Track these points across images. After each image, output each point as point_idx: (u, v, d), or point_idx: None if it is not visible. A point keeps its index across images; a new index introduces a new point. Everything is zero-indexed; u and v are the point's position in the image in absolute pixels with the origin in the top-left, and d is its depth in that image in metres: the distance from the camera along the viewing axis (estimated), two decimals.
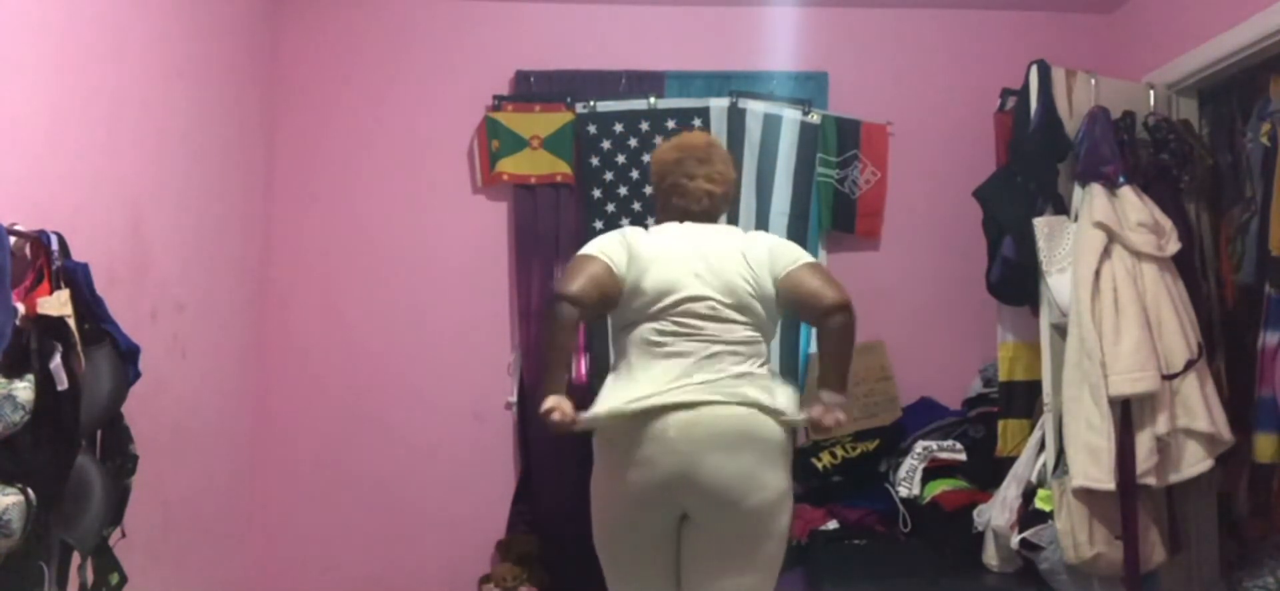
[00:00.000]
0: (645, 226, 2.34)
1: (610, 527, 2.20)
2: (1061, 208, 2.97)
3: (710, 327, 2.12)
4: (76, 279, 2.05)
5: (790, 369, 3.45)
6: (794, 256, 2.22)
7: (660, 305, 2.14)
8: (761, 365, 2.18)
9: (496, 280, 3.58)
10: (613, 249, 2.18)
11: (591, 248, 2.21)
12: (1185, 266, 2.83)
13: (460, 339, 3.55)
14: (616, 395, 2.10)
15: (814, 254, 3.53)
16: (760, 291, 2.17)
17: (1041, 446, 2.91)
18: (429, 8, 3.64)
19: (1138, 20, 3.58)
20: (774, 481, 2.09)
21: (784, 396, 2.15)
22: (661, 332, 2.13)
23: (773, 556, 2.15)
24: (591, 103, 3.54)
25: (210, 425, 3.05)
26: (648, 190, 3.50)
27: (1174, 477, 2.67)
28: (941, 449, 3.24)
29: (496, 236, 3.59)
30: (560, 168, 3.52)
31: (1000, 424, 3.17)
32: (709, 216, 2.30)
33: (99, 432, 2.14)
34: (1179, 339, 2.67)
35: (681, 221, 2.29)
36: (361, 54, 3.61)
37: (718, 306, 2.13)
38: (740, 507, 2.05)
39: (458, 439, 3.52)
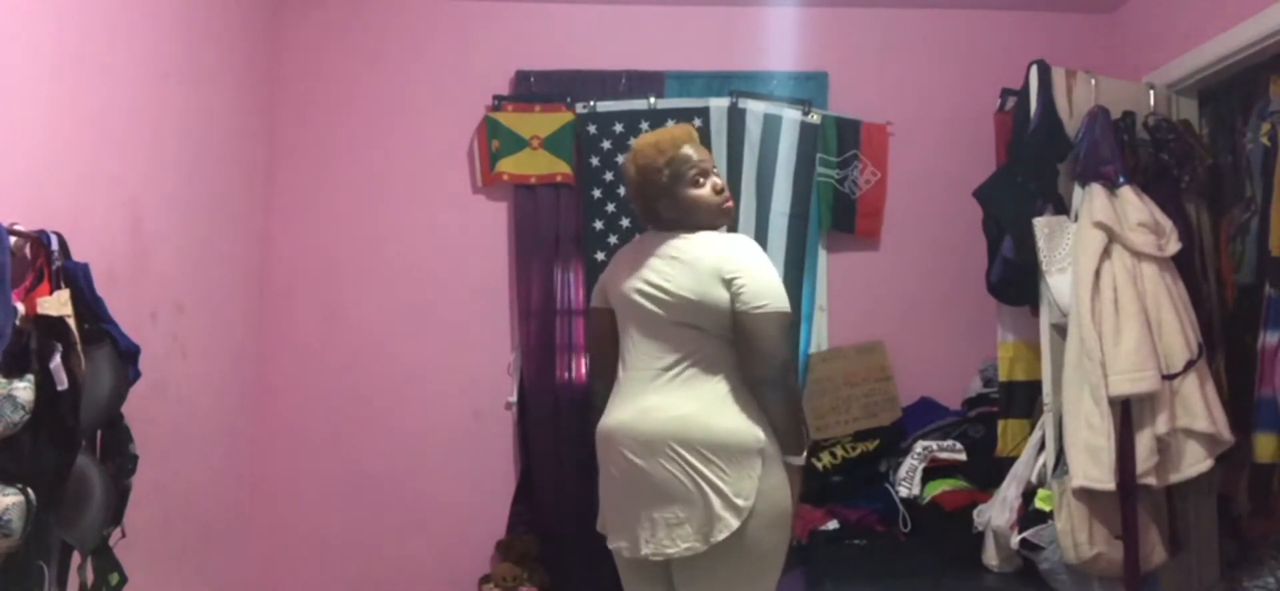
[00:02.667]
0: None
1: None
2: (1061, 208, 2.97)
3: (658, 336, 2.14)
4: (76, 279, 2.05)
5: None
6: (759, 299, 2.07)
7: (623, 320, 2.23)
8: (706, 374, 2.10)
9: (496, 280, 3.58)
10: (597, 291, 2.36)
11: (592, 296, 2.40)
12: (1185, 266, 2.83)
13: (460, 339, 3.55)
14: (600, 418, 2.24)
15: (813, 254, 3.57)
16: (704, 301, 2.08)
17: (1041, 446, 2.91)
18: (429, 8, 3.64)
19: (1138, 20, 3.58)
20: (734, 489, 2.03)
21: (732, 422, 2.07)
22: (625, 343, 2.22)
23: (766, 570, 2.14)
24: (591, 103, 3.54)
25: (210, 425, 3.05)
26: None
27: (1174, 477, 2.67)
28: (941, 449, 3.24)
29: (496, 236, 3.59)
30: (560, 168, 3.52)
31: (1000, 424, 3.17)
32: (659, 216, 2.24)
33: (99, 432, 2.14)
34: (1179, 339, 2.67)
35: (653, 227, 2.29)
36: (361, 53, 3.61)
37: (655, 315, 2.14)
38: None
39: (458, 439, 3.52)
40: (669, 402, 2.08)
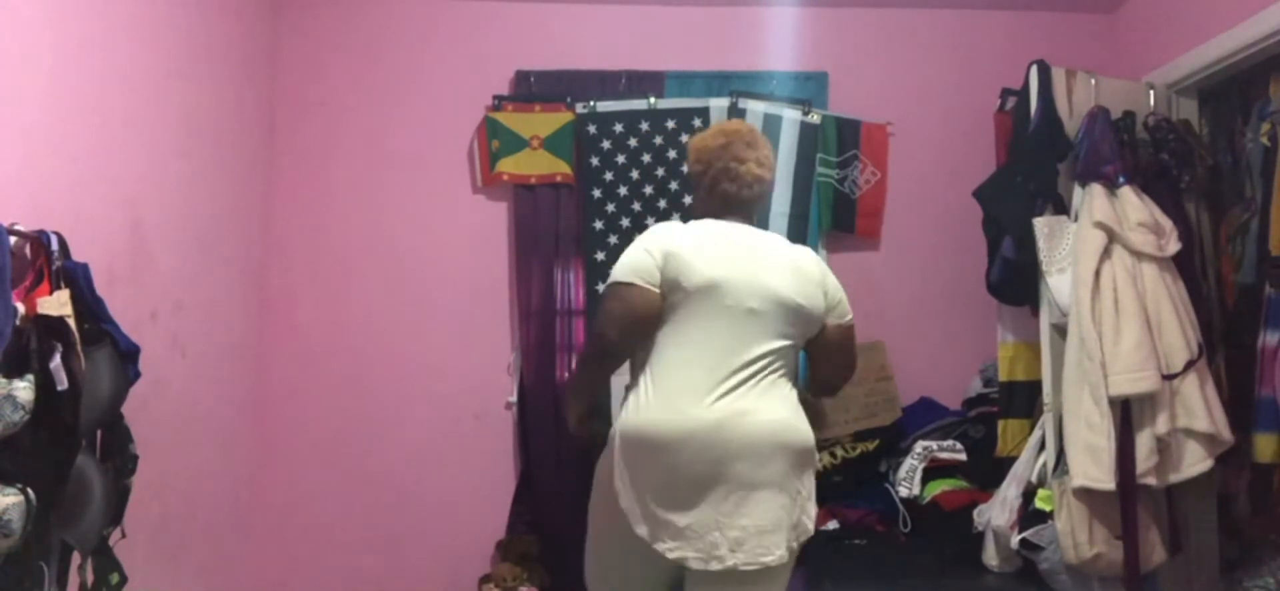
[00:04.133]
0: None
1: (612, 531, 2.15)
2: (1061, 208, 2.97)
3: (751, 335, 2.07)
4: (76, 279, 2.05)
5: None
6: (846, 310, 2.24)
7: (701, 307, 2.07)
8: (787, 380, 2.13)
9: (496, 280, 3.58)
10: (647, 267, 2.09)
11: (627, 272, 2.10)
12: (1185, 266, 2.83)
13: (460, 339, 3.55)
14: (648, 409, 2.05)
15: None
16: (808, 307, 2.13)
17: (1041, 446, 2.91)
18: (429, 8, 3.64)
19: (1138, 20, 3.58)
20: (806, 489, 2.10)
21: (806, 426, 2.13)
22: (696, 334, 2.07)
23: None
24: (591, 103, 3.54)
25: (210, 425, 3.05)
26: (648, 190, 3.51)
27: (1174, 477, 2.67)
28: (941, 449, 3.24)
29: (496, 236, 3.59)
30: (560, 168, 3.52)
31: (1000, 424, 3.17)
32: (758, 202, 2.25)
33: (99, 432, 2.14)
34: (1179, 339, 2.67)
35: (723, 214, 2.24)
36: (361, 54, 3.61)
37: (759, 313, 2.08)
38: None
39: (458, 439, 3.52)
40: (763, 406, 2.03)
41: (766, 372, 2.07)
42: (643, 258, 2.10)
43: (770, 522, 2.00)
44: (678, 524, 1.99)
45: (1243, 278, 2.89)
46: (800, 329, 2.13)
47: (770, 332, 2.08)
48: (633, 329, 2.08)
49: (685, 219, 2.39)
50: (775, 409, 2.05)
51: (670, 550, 2.00)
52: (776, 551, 2.00)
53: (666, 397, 2.04)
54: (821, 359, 2.16)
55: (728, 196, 2.23)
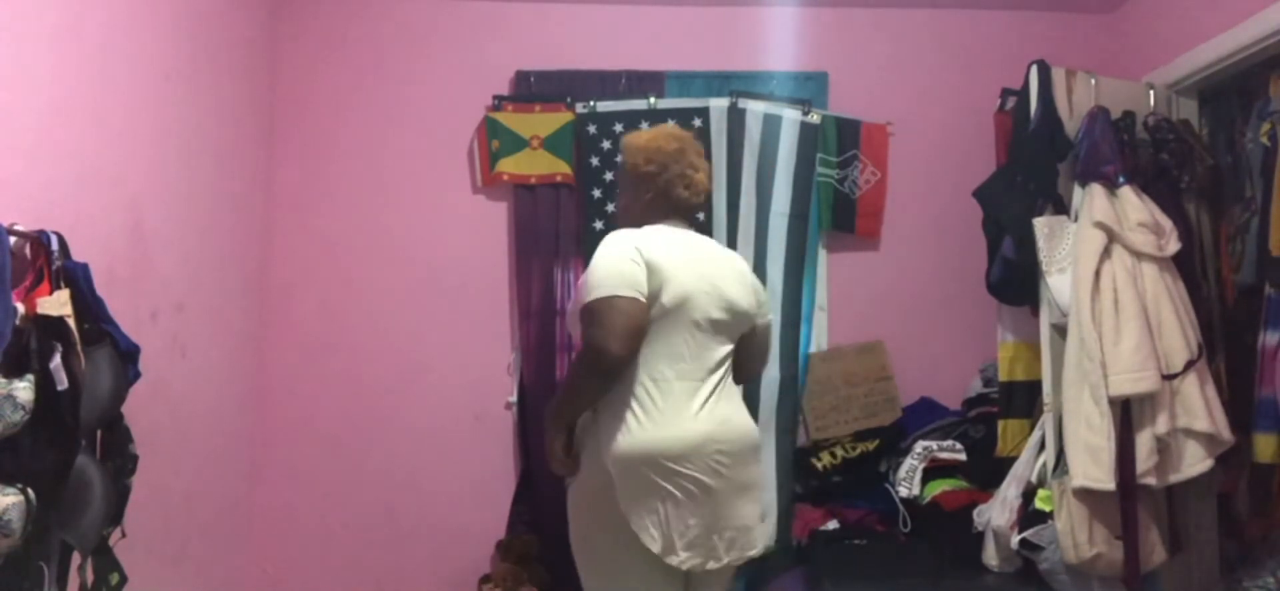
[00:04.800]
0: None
1: (626, 558, 2.11)
2: (1061, 208, 2.97)
3: (713, 343, 2.16)
4: (76, 279, 2.06)
5: (790, 376, 3.45)
6: (768, 309, 2.40)
7: (675, 320, 2.10)
8: (733, 382, 2.26)
9: (496, 280, 3.58)
10: (638, 279, 2.06)
11: (622, 284, 2.05)
12: (1185, 266, 2.83)
13: (460, 339, 3.55)
14: (641, 429, 2.05)
15: (814, 254, 3.60)
16: (749, 312, 2.25)
17: (1041, 446, 2.91)
18: (429, 8, 3.64)
19: (1138, 20, 3.58)
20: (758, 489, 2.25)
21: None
22: (674, 348, 2.10)
23: None
24: (591, 103, 3.54)
25: (210, 425, 3.05)
26: None
27: (1174, 477, 2.67)
28: (941, 449, 3.24)
29: (496, 236, 3.59)
30: (560, 168, 3.52)
31: (1000, 424, 3.17)
32: (699, 211, 2.39)
33: (99, 432, 2.14)
34: (1179, 339, 2.67)
35: (669, 218, 2.27)
36: (361, 53, 3.61)
37: (720, 322, 2.17)
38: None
39: (458, 439, 3.52)
40: (733, 410, 2.17)
41: (725, 376, 2.19)
42: (633, 269, 2.07)
43: (752, 518, 2.16)
44: (690, 534, 2.06)
45: (1243, 278, 2.89)
46: (741, 330, 2.26)
47: (726, 338, 2.20)
48: (633, 342, 2.04)
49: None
50: (740, 411, 2.21)
51: (683, 560, 2.05)
52: (761, 543, 2.21)
53: (658, 414, 2.05)
54: (745, 354, 2.29)
55: (680, 202, 2.28)
